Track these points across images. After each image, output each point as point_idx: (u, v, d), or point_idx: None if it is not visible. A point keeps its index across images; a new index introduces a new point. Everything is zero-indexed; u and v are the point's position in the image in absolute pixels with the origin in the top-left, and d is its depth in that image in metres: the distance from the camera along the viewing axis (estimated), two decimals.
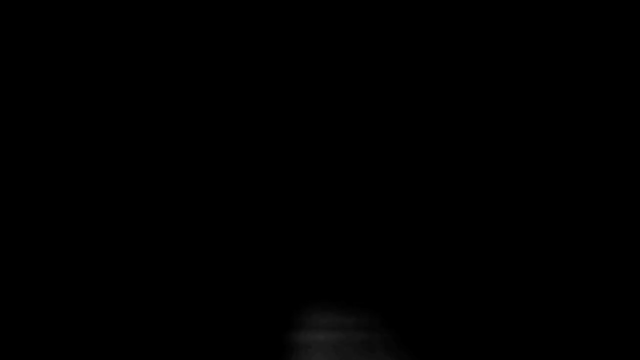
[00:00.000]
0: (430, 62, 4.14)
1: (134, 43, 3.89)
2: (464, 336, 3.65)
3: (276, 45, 4.01)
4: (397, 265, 4.32)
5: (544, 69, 4.09)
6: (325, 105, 4.13)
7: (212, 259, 4.15)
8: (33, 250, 3.84)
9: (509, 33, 4.07)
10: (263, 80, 4.05)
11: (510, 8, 4.00)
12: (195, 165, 3.99)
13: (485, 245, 4.18)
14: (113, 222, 3.92)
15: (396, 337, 3.65)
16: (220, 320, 3.86)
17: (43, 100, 3.80)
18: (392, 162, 4.16)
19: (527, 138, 4.10)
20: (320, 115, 4.13)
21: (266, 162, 4.00)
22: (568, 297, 3.95)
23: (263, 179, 3.97)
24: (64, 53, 3.82)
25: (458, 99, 4.14)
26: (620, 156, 3.95)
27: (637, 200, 3.90)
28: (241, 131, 4.02)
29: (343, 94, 4.12)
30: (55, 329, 3.58)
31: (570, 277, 4.02)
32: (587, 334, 3.57)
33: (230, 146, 4.00)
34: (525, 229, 4.13)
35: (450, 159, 4.15)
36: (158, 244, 4.02)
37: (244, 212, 4.09)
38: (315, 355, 3.33)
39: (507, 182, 4.14)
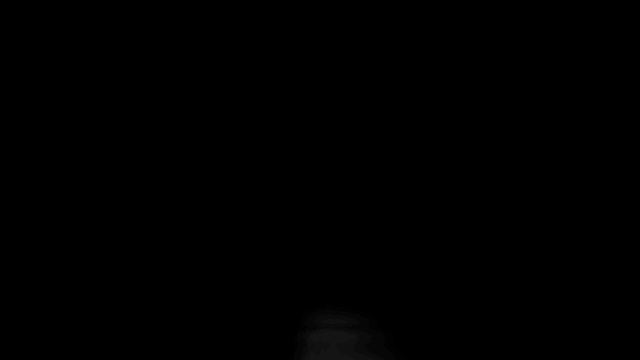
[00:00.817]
0: (430, 63, 4.16)
1: (133, 43, 3.91)
2: (463, 338, 3.65)
3: (277, 46, 4.03)
4: (396, 268, 4.33)
5: (543, 69, 4.10)
6: (332, 109, 4.15)
7: (223, 268, 4.18)
8: (33, 250, 3.84)
9: (508, 33, 4.09)
10: (266, 82, 4.06)
11: (510, 8, 4.02)
12: (206, 172, 4.00)
13: (476, 249, 4.19)
14: (128, 223, 3.93)
15: (394, 338, 3.66)
16: (223, 321, 3.86)
17: (43, 101, 3.82)
18: (385, 175, 4.17)
19: (526, 139, 4.12)
20: (326, 120, 4.15)
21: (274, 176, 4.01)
22: (561, 299, 3.95)
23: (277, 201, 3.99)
24: (64, 53, 3.84)
25: (459, 101, 4.16)
26: (621, 156, 3.96)
27: (637, 200, 3.91)
28: (248, 134, 4.04)
29: (350, 98, 4.14)
30: (56, 329, 3.58)
31: (563, 279, 4.02)
32: (579, 337, 3.57)
33: (236, 150, 4.01)
34: (514, 232, 4.13)
35: (434, 165, 4.16)
36: (176, 251, 4.04)
37: (255, 232, 4.13)
38: (315, 356, 3.34)
39: (499, 186, 4.15)
